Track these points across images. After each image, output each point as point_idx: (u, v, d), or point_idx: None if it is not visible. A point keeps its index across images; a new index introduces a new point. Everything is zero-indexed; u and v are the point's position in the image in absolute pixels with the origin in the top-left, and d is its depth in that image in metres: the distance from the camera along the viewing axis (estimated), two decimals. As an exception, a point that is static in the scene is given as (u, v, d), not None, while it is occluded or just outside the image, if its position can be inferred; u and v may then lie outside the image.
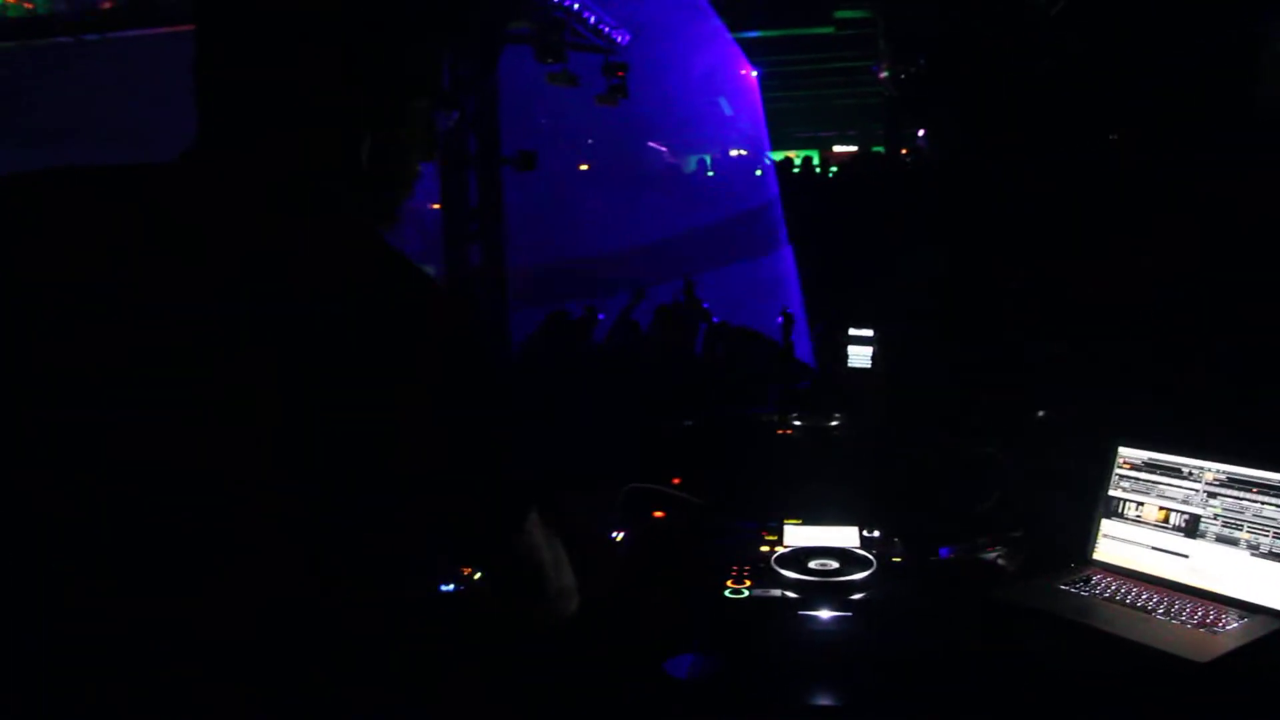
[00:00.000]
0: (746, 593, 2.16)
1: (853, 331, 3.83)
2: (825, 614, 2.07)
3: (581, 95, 8.17)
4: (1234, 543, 2.07)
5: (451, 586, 2.11)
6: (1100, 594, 2.09)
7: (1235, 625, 1.91)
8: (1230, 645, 1.83)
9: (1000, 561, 2.25)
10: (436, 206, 7.57)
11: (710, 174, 15.06)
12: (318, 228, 1.02)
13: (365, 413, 0.97)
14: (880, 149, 14.60)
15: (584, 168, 13.99)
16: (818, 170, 13.11)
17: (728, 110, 16.15)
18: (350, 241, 1.03)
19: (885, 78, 9.89)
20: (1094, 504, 2.32)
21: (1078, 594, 2.09)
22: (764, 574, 2.24)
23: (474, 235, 7.65)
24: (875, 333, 3.76)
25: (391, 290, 1.01)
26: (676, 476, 2.88)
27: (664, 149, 16.29)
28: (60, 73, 7.29)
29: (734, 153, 15.80)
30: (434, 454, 1.03)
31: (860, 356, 3.78)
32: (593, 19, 7.20)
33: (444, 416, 1.03)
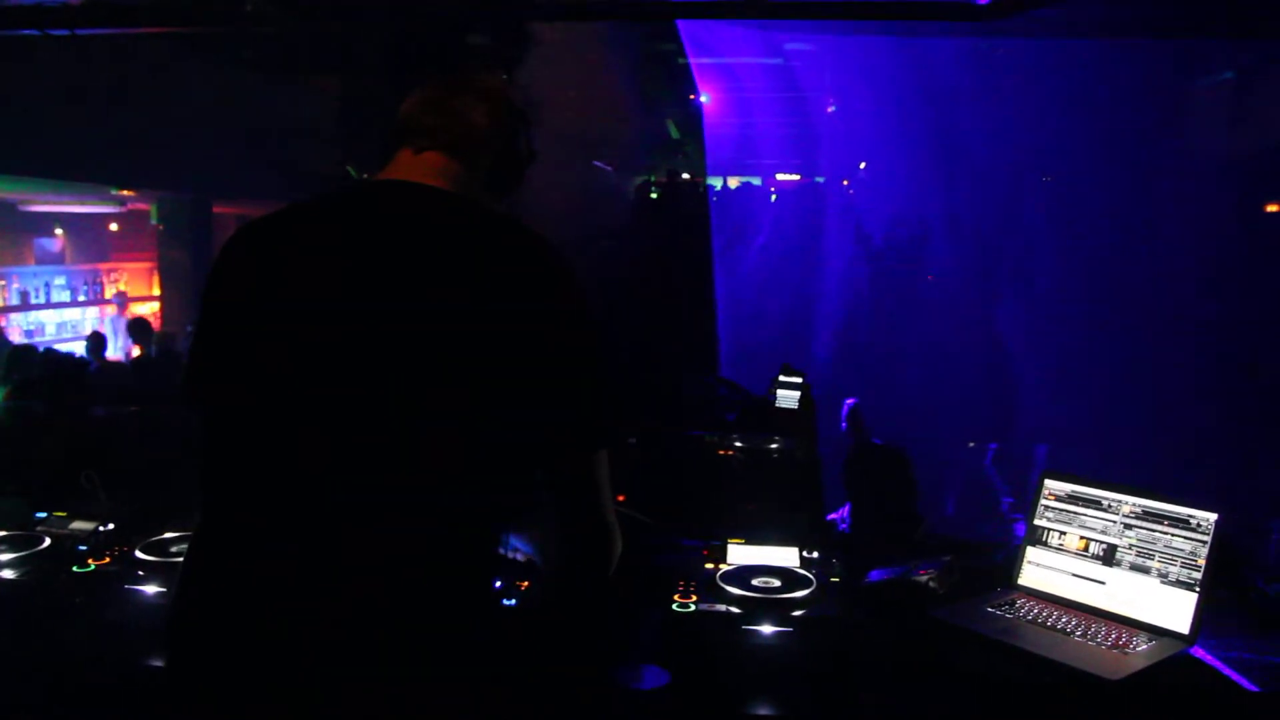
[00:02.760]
0: (693, 607, 2.26)
1: (782, 378, 4.02)
2: (768, 629, 2.17)
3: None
4: (1146, 571, 2.22)
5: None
6: (1024, 616, 2.22)
7: (1145, 647, 2.06)
8: (1140, 665, 1.97)
9: (931, 584, 2.36)
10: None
11: (654, 195, 15.20)
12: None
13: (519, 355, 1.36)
14: (821, 179, 14.88)
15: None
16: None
17: (675, 134, 16.31)
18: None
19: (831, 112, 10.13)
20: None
21: (1003, 616, 2.23)
22: (710, 590, 2.34)
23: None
24: (803, 379, 3.96)
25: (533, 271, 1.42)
26: (620, 494, 2.96)
27: (609, 168, 16.39)
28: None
29: (684, 175, 15.94)
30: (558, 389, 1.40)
31: (789, 399, 3.96)
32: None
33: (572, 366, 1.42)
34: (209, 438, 1.42)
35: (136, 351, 8.34)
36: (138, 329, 8.58)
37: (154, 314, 12.65)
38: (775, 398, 3.99)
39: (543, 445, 1.43)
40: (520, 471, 1.42)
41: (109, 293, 12.97)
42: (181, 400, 1.45)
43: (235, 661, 1.31)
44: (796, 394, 3.90)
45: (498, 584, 2.25)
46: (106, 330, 10.71)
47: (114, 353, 10.05)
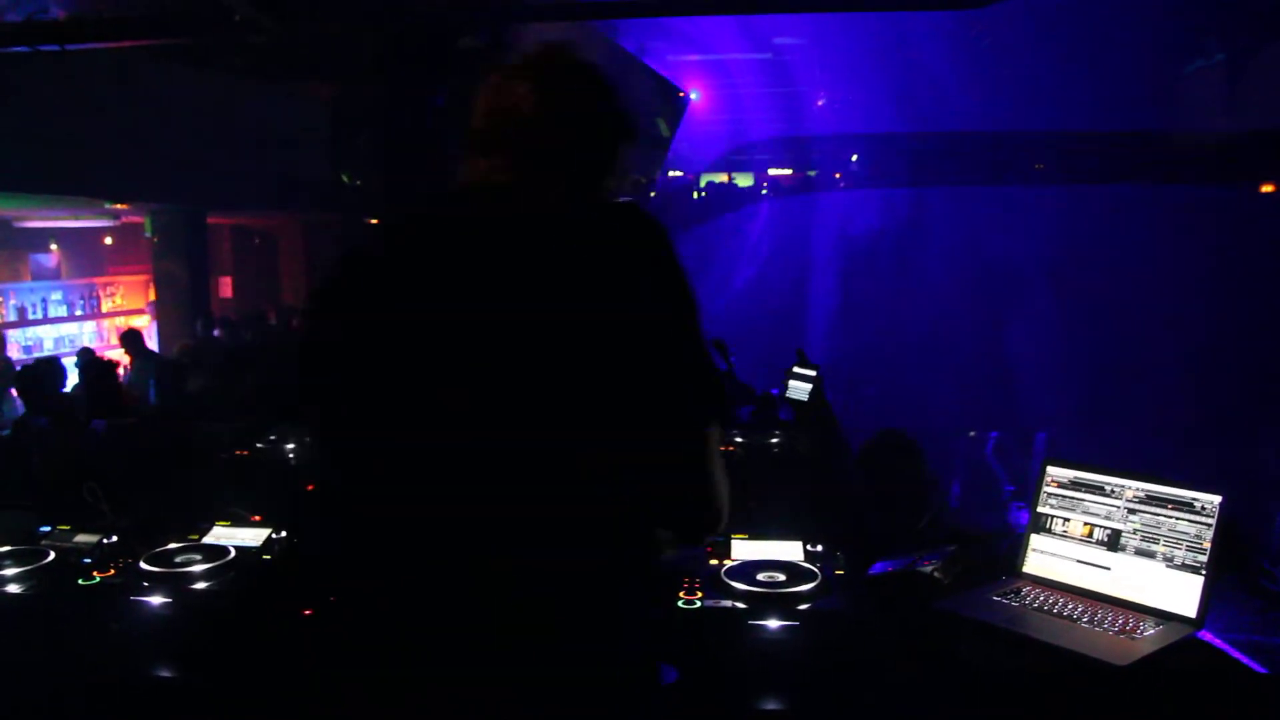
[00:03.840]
0: (699, 603, 2.26)
1: (796, 369, 4.05)
2: (773, 624, 2.17)
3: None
4: (1151, 555, 2.22)
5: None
6: (1030, 604, 2.22)
7: (1152, 632, 2.06)
8: (1147, 650, 1.97)
9: (936, 574, 2.36)
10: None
11: (652, 194, 15.22)
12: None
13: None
14: (813, 173, 14.90)
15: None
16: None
17: (665, 132, 16.33)
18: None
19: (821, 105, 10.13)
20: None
21: (1009, 604, 2.23)
22: (714, 586, 2.34)
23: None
24: (816, 372, 3.97)
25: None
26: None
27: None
28: None
29: (672, 174, 15.97)
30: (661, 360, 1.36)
31: (799, 390, 3.98)
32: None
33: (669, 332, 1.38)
34: (333, 455, 1.45)
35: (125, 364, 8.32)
36: (130, 340, 8.55)
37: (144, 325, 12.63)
38: (787, 388, 4.02)
39: (661, 425, 1.39)
40: (643, 459, 1.39)
41: (106, 306, 12.98)
42: (292, 418, 1.49)
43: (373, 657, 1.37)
44: (808, 386, 3.92)
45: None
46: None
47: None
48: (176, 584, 2.40)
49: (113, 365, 5.80)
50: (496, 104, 1.48)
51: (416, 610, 1.36)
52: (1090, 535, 2.33)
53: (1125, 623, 2.10)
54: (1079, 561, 2.33)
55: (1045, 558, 2.39)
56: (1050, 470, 2.45)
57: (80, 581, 2.42)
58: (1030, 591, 2.29)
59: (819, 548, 2.56)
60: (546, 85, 1.47)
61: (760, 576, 2.37)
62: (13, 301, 11.51)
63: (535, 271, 1.36)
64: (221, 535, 2.71)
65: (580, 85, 1.50)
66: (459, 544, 1.35)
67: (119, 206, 11.69)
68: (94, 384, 5.31)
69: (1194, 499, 2.20)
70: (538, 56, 1.50)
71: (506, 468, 1.34)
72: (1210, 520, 2.16)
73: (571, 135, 1.49)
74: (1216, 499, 2.17)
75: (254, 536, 2.68)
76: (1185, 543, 2.18)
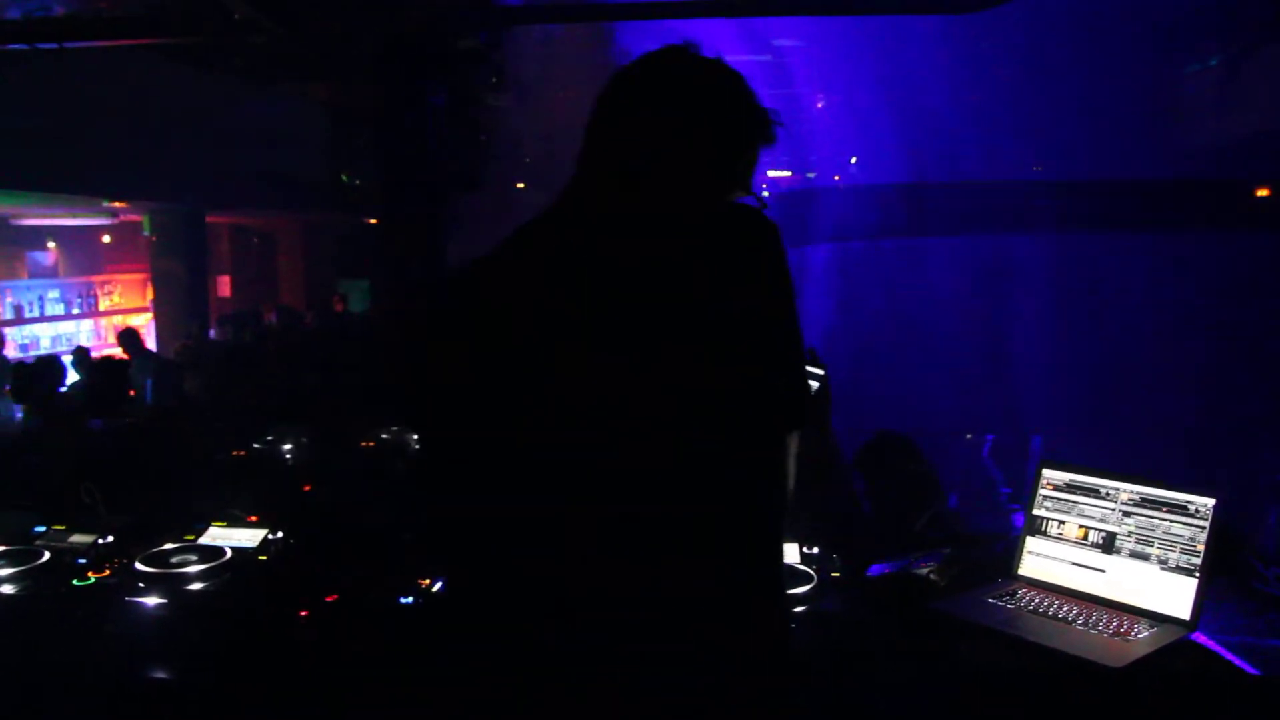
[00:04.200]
0: (695, 605, 2.25)
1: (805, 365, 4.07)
2: (770, 625, 2.17)
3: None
4: (1146, 558, 2.23)
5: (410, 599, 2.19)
6: (1025, 606, 2.23)
7: (1146, 634, 2.06)
8: (1142, 652, 1.98)
9: (932, 576, 2.36)
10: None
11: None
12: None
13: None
14: (812, 174, 14.90)
15: (520, 186, 14.04)
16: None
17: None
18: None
19: (821, 107, 10.15)
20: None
21: (1005, 606, 2.23)
22: (711, 587, 2.34)
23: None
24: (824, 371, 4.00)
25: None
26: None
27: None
28: None
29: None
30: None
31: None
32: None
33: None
34: (470, 490, 1.39)
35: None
36: (128, 339, 8.54)
37: (145, 324, 12.63)
38: None
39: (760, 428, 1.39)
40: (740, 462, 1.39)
41: (103, 304, 12.98)
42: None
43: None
44: (815, 384, 3.94)
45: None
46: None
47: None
48: (172, 584, 2.40)
49: (124, 365, 5.79)
50: (619, 111, 1.42)
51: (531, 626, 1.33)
52: (1085, 538, 2.34)
53: (1120, 625, 2.10)
54: (1074, 564, 2.33)
55: (1041, 560, 2.39)
56: (1046, 473, 2.46)
57: (75, 582, 2.42)
58: (1025, 594, 2.29)
59: (815, 549, 2.56)
60: (672, 91, 1.41)
61: (756, 578, 2.37)
62: (10, 299, 11.51)
63: (668, 282, 1.33)
64: (218, 536, 2.71)
65: (707, 90, 1.43)
66: (577, 557, 1.32)
67: (117, 205, 11.70)
68: (101, 383, 5.30)
69: (1188, 502, 2.20)
70: (662, 61, 1.44)
71: (635, 477, 1.31)
72: (1204, 523, 2.16)
73: (699, 142, 1.40)
74: (1210, 502, 2.18)
75: (250, 537, 2.68)
76: (1180, 545, 2.18)
